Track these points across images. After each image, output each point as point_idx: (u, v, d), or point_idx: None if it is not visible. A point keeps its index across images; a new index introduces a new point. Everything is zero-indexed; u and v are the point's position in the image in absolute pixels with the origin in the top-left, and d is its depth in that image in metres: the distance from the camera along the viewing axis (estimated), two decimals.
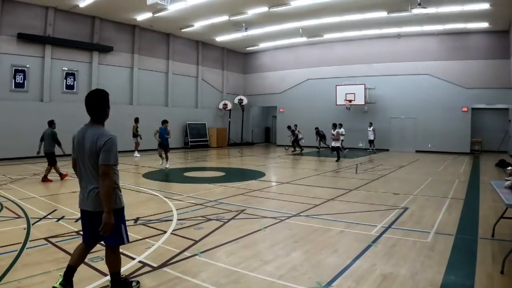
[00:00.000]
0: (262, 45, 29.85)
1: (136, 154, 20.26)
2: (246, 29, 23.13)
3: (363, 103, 25.84)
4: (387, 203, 8.87)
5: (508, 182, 5.78)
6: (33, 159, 15.96)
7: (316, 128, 25.65)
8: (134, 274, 4.47)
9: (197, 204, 8.58)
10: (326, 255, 5.30)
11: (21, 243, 5.52)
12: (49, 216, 7.22)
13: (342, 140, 23.12)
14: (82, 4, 18.93)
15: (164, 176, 13.98)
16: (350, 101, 26.03)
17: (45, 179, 11.57)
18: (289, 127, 26.01)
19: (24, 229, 6.33)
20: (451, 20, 20.69)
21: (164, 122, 15.79)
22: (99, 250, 4.72)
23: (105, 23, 22.00)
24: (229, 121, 30.44)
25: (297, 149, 24.83)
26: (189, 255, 5.21)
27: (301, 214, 7.75)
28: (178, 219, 7.16)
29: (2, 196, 9.07)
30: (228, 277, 4.50)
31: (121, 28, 22.95)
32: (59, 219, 6.98)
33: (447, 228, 6.70)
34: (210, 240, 5.88)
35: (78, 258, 3.83)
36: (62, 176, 11.87)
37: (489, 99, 22.90)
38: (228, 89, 31.52)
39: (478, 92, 22.91)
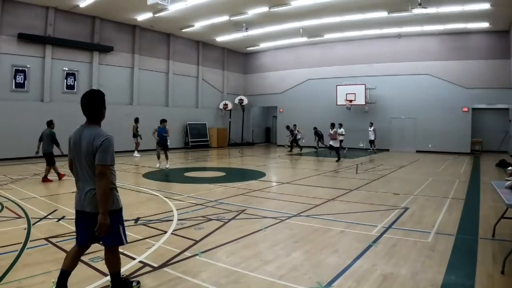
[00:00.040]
0: (263, 45, 29.85)
1: (136, 154, 20.27)
2: (246, 29, 23.13)
3: (364, 103, 25.82)
4: (388, 203, 8.87)
5: (508, 182, 5.78)
6: (33, 159, 15.96)
7: (315, 128, 25.65)
8: (135, 274, 4.47)
9: (197, 204, 8.58)
10: (327, 255, 5.30)
11: (21, 243, 5.53)
12: (49, 216, 7.22)
13: (342, 140, 23.15)
14: (82, 4, 18.94)
15: (165, 176, 13.98)
16: (350, 101, 26.03)
17: (45, 179, 11.57)
18: (287, 127, 26.00)
19: (25, 229, 6.33)
20: (451, 20, 20.68)
21: (163, 121, 15.68)
22: (100, 250, 4.73)
23: (105, 23, 22.01)
24: (230, 121, 30.45)
25: (297, 148, 24.78)
26: (190, 255, 5.21)
27: (301, 214, 7.75)
28: (178, 219, 7.16)
29: (2, 196, 9.07)
30: (229, 277, 4.50)
31: (121, 28, 22.96)
32: (59, 219, 6.98)
33: (448, 228, 6.69)
34: (211, 240, 5.88)
35: (71, 262, 3.75)
36: (60, 176, 11.85)
37: (490, 99, 22.89)
38: (228, 89, 31.52)
39: (479, 92, 22.90)
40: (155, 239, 5.90)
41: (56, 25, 19.53)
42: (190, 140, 26.87)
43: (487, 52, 22.78)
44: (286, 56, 30.58)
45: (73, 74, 20.57)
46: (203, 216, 7.44)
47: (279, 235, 6.32)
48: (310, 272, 4.67)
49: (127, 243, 3.96)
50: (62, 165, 12.85)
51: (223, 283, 4.33)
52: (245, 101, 31.07)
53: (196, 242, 5.78)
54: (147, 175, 13.46)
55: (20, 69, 18.40)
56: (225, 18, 21.51)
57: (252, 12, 20.32)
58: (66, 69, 20.26)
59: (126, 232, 3.94)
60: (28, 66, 18.68)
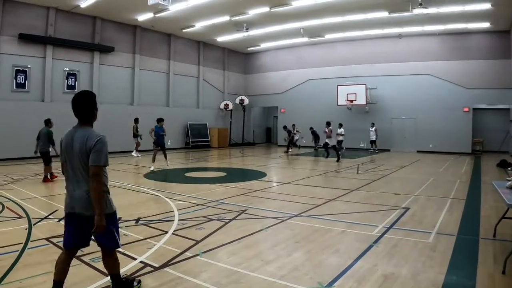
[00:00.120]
0: (263, 45, 29.85)
1: (134, 154, 20.27)
2: (247, 29, 23.13)
3: (364, 103, 25.81)
4: (389, 203, 8.86)
5: (509, 182, 5.78)
6: (34, 160, 15.93)
7: (311, 128, 25.59)
8: (136, 274, 4.46)
9: (198, 204, 8.58)
10: (328, 255, 5.29)
11: (22, 243, 5.53)
12: (50, 216, 7.22)
13: (342, 141, 23.14)
14: (83, 5, 18.97)
15: (165, 176, 13.99)
16: (351, 101, 26.01)
17: (46, 179, 11.58)
18: (285, 127, 26.00)
19: (26, 229, 6.33)
20: (452, 20, 20.68)
21: (160, 120, 15.36)
22: (100, 250, 4.72)
23: (106, 24, 22.02)
24: (230, 121, 30.45)
25: (295, 148, 24.60)
26: (191, 255, 5.21)
27: (302, 214, 7.74)
28: (179, 219, 7.16)
29: (3, 197, 9.07)
30: (229, 277, 4.50)
31: (122, 29, 22.97)
32: (60, 219, 6.97)
33: (449, 228, 6.69)
34: (212, 240, 5.88)
35: (63, 271, 3.66)
36: (52, 177, 11.81)
37: (490, 99, 22.88)
38: (229, 89, 31.52)
39: (479, 92, 22.89)
40: (156, 239, 5.90)
41: (57, 25, 19.55)
42: (191, 140, 26.88)
43: (488, 52, 22.76)
44: (287, 56, 30.57)
45: (74, 75, 20.59)
46: (204, 216, 7.44)
47: (280, 235, 6.32)
48: (311, 272, 4.66)
49: (120, 247, 3.91)
50: (59, 166, 12.82)
51: (224, 283, 4.33)
52: (246, 101, 31.08)
53: (197, 242, 5.78)
54: (148, 175, 13.47)
55: (21, 69, 18.43)
56: (225, 18, 21.52)
57: (253, 12, 20.33)
58: (67, 69, 20.27)
59: (121, 235, 3.91)
60: (28, 66, 18.70)
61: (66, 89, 20.11)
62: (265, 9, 19.76)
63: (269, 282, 4.36)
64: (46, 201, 8.93)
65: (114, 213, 3.78)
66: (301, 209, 8.14)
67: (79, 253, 4.65)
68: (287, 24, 22.76)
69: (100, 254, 4.74)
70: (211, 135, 28.51)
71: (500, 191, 5.56)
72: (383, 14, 19.97)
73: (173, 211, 7.88)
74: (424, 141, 24.57)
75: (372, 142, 24.68)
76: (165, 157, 15.61)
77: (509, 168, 14.98)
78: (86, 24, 21.09)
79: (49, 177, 11.78)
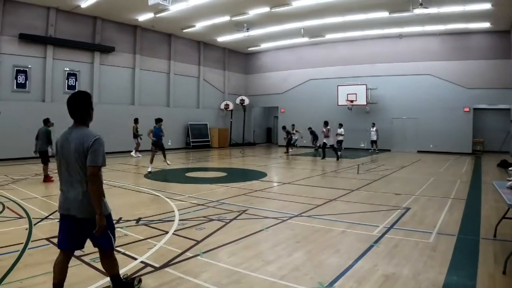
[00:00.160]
0: (264, 46, 29.85)
1: (134, 154, 20.26)
2: (247, 29, 23.13)
3: (365, 104, 25.80)
4: (389, 204, 8.86)
5: (510, 183, 5.78)
6: (34, 160, 15.92)
7: (310, 128, 25.55)
8: (136, 274, 4.46)
9: (199, 205, 8.58)
10: (328, 256, 5.29)
11: (23, 243, 5.53)
12: (51, 217, 7.22)
13: (342, 141, 23.12)
14: (83, 5, 18.97)
15: (166, 176, 13.98)
16: (351, 101, 25.99)
17: (46, 179, 11.58)
18: (284, 128, 25.98)
19: (26, 229, 6.33)
20: (452, 20, 20.67)
21: (158, 120, 15.17)
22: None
23: (106, 24, 22.03)
24: (231, 121, 30.45)
25: (290, 149, 24.39)
26: (191, 255, 5.21)
27: (303, 214, 7.74)
28: (180, 220, 7.16)
29: (4, 197, 9.08)
30: (230, 277, 4.50)
31: (122, 29, 22.97)
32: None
33: (449, 229, 6.69)
34: (212, 241, 5.88)
35: (61, 273, 3.63)
36: (49, 179, 11.74)
37: (491, 100, 22.88)
38: (229, 90, 31.52)
39: (480, 93, 22.88)
40: (157, 239, 5.90)
41: (57, 25, 19.55)
42: (191, 140, 26.88)
43: (488, 52, 22.75)
44: (288, 56, 30.57)
45: (75, 75, 20.59)
46: (204, 217, 7.44)
47: (281, 235, 6.32)
48: (311, 273, 4.67)
49: (114, 248, 3.83)
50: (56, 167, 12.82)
51: (224, 283, 4.33)
52: (246, 101, 31.07)
53: (198, 242, 5.78)
54: (148, 175, 13.46)
55: (22, 69, 18.44)
56: (226, 18, 21.52)
57: (253, 12, 20.33)
58: (68, 69, 20.28)
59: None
60: (29, 66, 18.71)
61: (66, 89, 20.10)
62: (265, 9, 19.75)
63: (269, 282, 4.37)
64: (47, 201, 8.93)
65: (109, 215, 3.73)
66: (301, 209, 8.14)
67: (79, 253, 4.67)
68: (288, 24, 22.76)
69: None
70: (211, 135, 28.51)
71: (501, 191, 5.56)
72: (384, 14, 19.97)
73: (173, 211, 7.88)
74: (424, 141, 24.56)
75: (373, 142, 24.63)
76: (164, 157, 15.54)
77: (510, 168, 14.87)
78: (87, 24, 21.10)
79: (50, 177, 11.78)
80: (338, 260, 5.10)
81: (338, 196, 9.85)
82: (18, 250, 5.20)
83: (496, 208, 8.19)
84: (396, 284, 4.33)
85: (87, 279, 4.27)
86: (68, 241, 3.63)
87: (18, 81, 18.37)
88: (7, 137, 17.19)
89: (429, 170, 15.86)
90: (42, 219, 7.00)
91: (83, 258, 4.84)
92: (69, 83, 20.28)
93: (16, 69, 18.26)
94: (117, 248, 5.32)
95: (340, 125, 23.17)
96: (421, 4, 17.18)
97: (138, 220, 7.08)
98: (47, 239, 5.75)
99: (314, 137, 25.11)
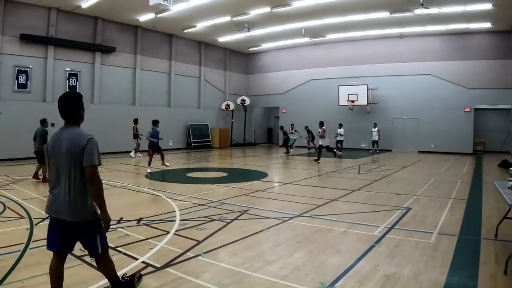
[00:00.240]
0: (265, 46, 29.84)
1: (133, 154, 20.25)
2: (248, 29, 23.12)
3: (366, 104, 25.78)
4: (390, 204, 8.86)
5: (511, 183, 5.77)
6: (35, 160, 15.97)
7: (307, 127, 25.32)
8: (136, 271, 4.46)
9: (200, 205, 8.59)
10: (329, 256, 5.29)
11: (24, 243, 5.54)
12: None
13: (342, 141, 23.10)
14: (84, 5, 18.98)
15: (167, 176, 13.98)
16: (352, 101, 25.97)
17: (46, 179, 11.58)
18: (281, 128, 25.90)
19: (27, 229, 6.34)
20: (453, 20, 20.66)
21: (156, 122, 14.89)
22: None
23: (107, 24, 22.04)
24: (232, 121, 30.46)
25: (287, 149, 24.31)
26: (192, 255, 5.22)
27: (304, 214, 7.74)
28: (181, 220, 7.16)
29: (5, 197, 9.09)
30: (231, 277, 4.50)
31: (123, 29, 22.98)
32: None
33: (450, 229, 6.68)
34: (213, 241, 5.88)
35: (57, 277, 3.59)
36: (37, 177, 11.71)
37: (492, 100, 22.85)
38: (230, 90, 31.52)
39: (481, 93, 22.86)
40: (158, 239, 5.91)
41: (58, 25, 19.56)
42: (192, 140, 26.87)
43: (489, 52, 22.74)
44: (288, 57, 30.57)
45: (75, 75, 20.60)
46: (205, 217, 7.44)
47: (282, 235, 6.32)
48: (312, 273, 4.67)
49: (101, 252, 3.66)
50: None
51: (225, 283, 4.33)
52: (247, 102, 31.07)
53: (199, 242, 5.78)
54: (149, 176, 13.46)
55: (22, 69, 18.44)
56: (227, 18, 21.52)
57: (254, 12, 20.33)
58: (68, 69, 20.29)
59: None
60: (30, 66, 18.72)
61: (67, 90, 20.02)
62: (266, 9, 19.75)
63: (271, 283, 4.37)
64: None
65: (99, 219, 3.59)
66: (302, 210, 8.14)
67: (80, 253, 4.69)
68: (289, 25, 22.76)
69: None
70: (212, 136, 28.51)
71: (502, 191, 5.56)
72: (385, 14, 19.96)
73: (174, 211, 7.89)
74: (425, 141, 24.54)
75: (374, 143, 24.56)
76: (162, 159, 15.21)
77: (511, 168, 14.91)
78: (88, 25, 21.10)
79: (38, 176, 11.75)
80: (339, 260, 5.10)
81: (339, 196, 9.85)
82: (19, 250, 5.21)
83: (497, 208, 8.18)
84: (397, 284, 4.33)
85: (87, 279, 4.28)
86: (57, 244, 3.57)
87: (19, 82, 18.38)
88: (8, 137, 17.19)
89: (430, 170, 15.85)
90: (43, 219, 6.99)
91: (84, 258, 4.84)
92: (70, 83, 20.28)
93: (17, 70, 18.27)
94: (118, 248, 5.35)
95: (340, 125, 23.15)
96: (422, 4, 17.17)
97: (139, 220, 7.09)
98: None
99: (311, 136, 24.96)
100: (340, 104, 26.63)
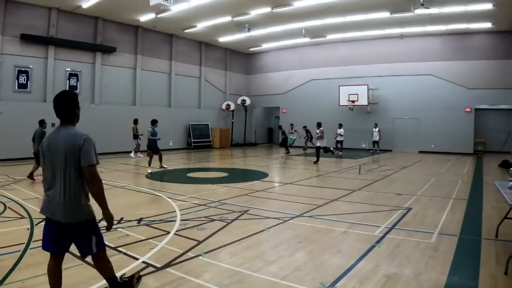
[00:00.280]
0: (265, 46, 29.85)
1: (133, 155, 20.25)
2: (249, 29, 23.12)
3: (366, 104, 25.77)
4: (391, 204, 8.86)
5: (511, 183, 5.77)
6: (34, 160, 15.99)
7: (305, 127, 25.34)
8: (138, 275, 4.45)
9: (200, 205, 8.59)
10: (330, 256, 5.29)
11: (24, 243, 5.55)
12: None
13: (342, 141, 23.11)
14: (85, 5, 18.98)
15: (167, 176, 13.98)
16: (353, 101, 25.96)
17: (32, 176, 11.58)
18: (280, 127, 25.84)
19: (28, 229, 6.35)
20: (454, 20, 20.65)
21: (155, 121, 14.82)
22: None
23: (108, 24, 22.04)
24: (232, 121, 30.46)
25: (287, 149, 24.31)
26: (193, 255, 5.22)
27: (304, 214, 7.74)
28: (181, 220, 7.16)
29: (5, 197, 9.10)
30: (232, 277, 4.50)
31: (124, 29, 22.99)
32: None
33: (451, 229, 6.68)
34: (214, 241, 5.88)
35: (55, 277, 3.58)
36: (31, 178, 11.67)
37: (492, 100, 22.84)
38: (231, 90, 31.52)
39: (481, 93, 22.85)
40: (158, 239, 5.91)
41: (58, 25, 19.57)
42: (192, 140, 26.87)
43: (490, 53, 22.73)
44: (289, 57, 30.57)
45: (76, 75, 20.61)
46: (206, 217, 7.44)
47: (282, 235, 6.32)
48: (313, 273, 4.67)
49: (95, 252, 3.62)
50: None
51: (226, 283, 4.33)
52: (248, 102, 31.07)
53: (199, 242, 5.78)
54: (150, 176, 13.45)
55: (23, 69, 18.45)
56: (227, 18, 21.52)
57: (255, 12, 20.33)
58: (69, 69, 20.29)
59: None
60: (30, 66, 18.72)
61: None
62: (266, 10, 19.75)
63: (271, 283, 4.37)
64: None
65: (94, 219, 3.60)
66: (303, 210, 8.14)
67: None
68: (289, 25, 22.76)
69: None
70: (213, 136, 28.51)
71: (502, 192, 5.56)
72: (385, 14, 19.95)
73: (175, 211, 7.89)
74: (425, 141, 24.53)
75: (375, 143, 24.52)
76: (160, 160, 15.14)
77: (511, 168, 14.94)
78: (88, 25, 21.11)
79: (33, 176, 11.71)
80: (340, 260, 5.10)
81: (339, 196, 9.84)
82: (20, 250, 5.22)
83: (498, 208, 8.18)
84: (398, 284, 4.32)
85: (88, 279, 4.27)
86: (53, 245, 3.56)
87: (20, 82, 18.39)
88: (9, 137, 17.19)
89: (430, 170, 15.85)
90: (44, 219, 6.98)
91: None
92: (70, 84, 20.29)
93: (18, 70, 18.28)
94: (119, 248, 5.35)
95: (340, 125, 23.14)
96: (422, 4, 17.17)
97: (139, 220, 7.09)
98: None
99: (309, 136, 24.91)
100: (341, 104, 26.62)
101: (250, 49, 31.33)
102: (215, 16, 21.37)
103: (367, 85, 25.72)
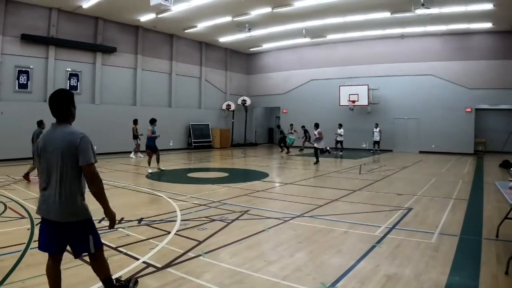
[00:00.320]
0: (266, 46, 29.85)
1: (133, 155, 20.23)
2: (249, 29, 23.12)
3: (367, 104, 25.77)
4: (391, 204, 8.85)
5: None
6: (33, 161, 15.97)
7: (303, 127, 25.30)
8: (138, 275, 4.46)
9: (200, 205, 8.59)
10: (330, 256, 5.29)
11: (25, 243, 5.54)
12: None
13: (342, 141, 23.10)
14: (85, 5, 18.99)
15: (168, 176, 13.97)
16: (353, 101, 25.96)
17: (28, 176, 11.57)
18: (278, 127, 25.82)
19: (28, 229, 6.34)
20: (454, 20, 20.65)
21: (154, 120, 14.80)
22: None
23: (108, 24, 22.04)
24: (233, 122, 30.45)
25: (285, 149, 24.30)
26: (193, 255, 5.22)
27: (305, 214, 7.74)
28: (182, 220, 7.16)
29: (5, 197, 9.10)
30: (232, 277, 4.50)
31: (124, 29, 22.99)
32: None
33: (451, 229, 6.68)
34: (214, 241, 5.88)
35: (54, 278, 3.56)
36: (27, 178, 11.59)
37: (493, 100, 22.84)
38: (231, 90, 31.52)
39: (482, 93, 22.84)
40: (159, 239, 5.91)
41: (59, 26, 19.57)
42: (193, 140, 26.86)
43: (490, 53, 22.72)
44: (289, 57, 30.58)
45: (76, 75, 20.61)
46: (206, 217, 7.44)
47: (283, 235, 6.32)
48: (313, 273, 4.66)
49: (93, 251, 3.61)
50: None
51: (227, 283, 4.33)
52: (248, 102, 31.04)
53: (200, 242, 5.78)
54: (150, 176, 13.46)
55: (23, 70, 18.45)
56: (228, 18, 21.52)
57: (255, 12, 20.33)
58: (69, 70, 20.29)
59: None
60: (31, 67, 18.73)
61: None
62: (267, 10, 19.75)
63: (272, 283, 4.37)
64: None
65: (90, 219, 3.57)
66: (303, 210, 8.14)
67: None
68: (289, 25, 22.76)
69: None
70: (213, 136, 28.51)
71: (503, 192, 5.56)
72: (385, 14, 19.95)
73: (175, 211, 7.89)
74: (426, 141, 24.52)
75: (376, 143, 24.48)
76: (158, 161, 14.88)
77: None
78: (88, 25, 21.11)
79: (25, 176, 11.63)
80: (340, 261, 5.10)
81: (340, 196, 9.84)
82: (20, 250, 5.22)
83: (498, 208, 8.17)
84: (398, 284, 4.32)
85: (87, 279, 4.27)
86: (50, 245, 3.52)
87: (20, 82, 18.39)
88: (9, 137, 17.17)
89: (430, 170, 15.84)
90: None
91: (85, 258, 4.82)
92: (71, 84, 20.28)
93: (18, 70, 18.28)
94: (119, 249, 5.35)
95: (340, 126, 23.14)
96: (422, 5, 17.18)
97: (140, 220, 7.08)
98: None
99: (307, 136, 24.87)
100: (341, 104, 26.62)
101: (251, 49, 31.34)
102: (216, 16, 21.38)
103: (368, 85, 25.72)
